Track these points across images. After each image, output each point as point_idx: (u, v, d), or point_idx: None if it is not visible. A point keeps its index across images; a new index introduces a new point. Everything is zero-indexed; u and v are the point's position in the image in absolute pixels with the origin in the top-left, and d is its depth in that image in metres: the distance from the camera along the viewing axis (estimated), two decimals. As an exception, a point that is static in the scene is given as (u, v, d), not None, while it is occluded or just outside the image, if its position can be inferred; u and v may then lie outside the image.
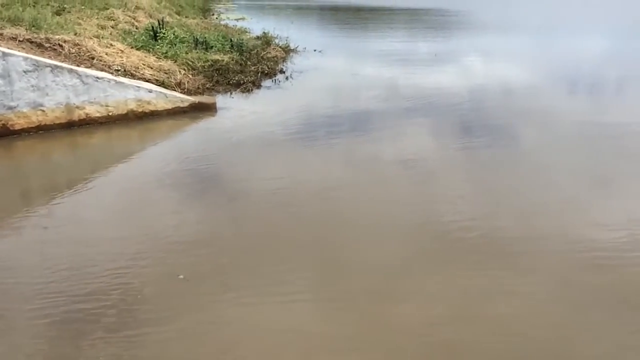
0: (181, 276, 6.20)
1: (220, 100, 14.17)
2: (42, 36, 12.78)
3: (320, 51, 22.41)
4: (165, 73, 14.26)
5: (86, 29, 15.62)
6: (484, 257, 6.66)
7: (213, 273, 6.32)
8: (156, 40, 16.63)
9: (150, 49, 15.73)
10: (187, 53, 16.25)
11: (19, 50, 11.21)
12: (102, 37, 15.06)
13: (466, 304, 5.77)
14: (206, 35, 19.11)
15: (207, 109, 13.30)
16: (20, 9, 14.90)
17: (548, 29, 37.74)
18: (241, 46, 18.39)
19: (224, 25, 27.06)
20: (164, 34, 17.27)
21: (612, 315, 5.65)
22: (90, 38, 14.42)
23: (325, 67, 19.65)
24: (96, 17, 17.84)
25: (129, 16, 19.72)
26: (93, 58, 13.09)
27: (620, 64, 22.04)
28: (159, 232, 7.28)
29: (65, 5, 17.76)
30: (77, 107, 11.62)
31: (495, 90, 16.45)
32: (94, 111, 11.85)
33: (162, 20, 18.92)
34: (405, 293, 5.96)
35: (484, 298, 5.88)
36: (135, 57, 14.31)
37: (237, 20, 33.74)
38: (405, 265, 6.50)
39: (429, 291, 6.00)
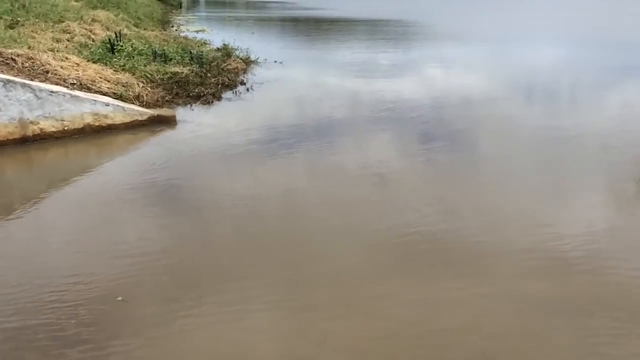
0: (119, 298, 6.04)
1: (181, 112, 14.04)
2: (-6, 50, 12.45)
3: (281, 62, 22.46)
4: (123, 86, 14.05)
5: (40, 42, 15.30)
6: (441, 266, 6.76)
7: (163, 289, 6.22)
8: (113, 53, 16.39)
9: (108, 62, 15.48)
10: (146, 65, 16.07)
11: (-32, 65, 10.88)
12: (57, 51, 14.76)
13: (414, 317, 5.83)
14: (165, 48, 18.95)
15: (167, 122, 13.15)
16: (-29, 22, 14.50)
17: (504, 39, 38.70)
18: (201, 58, 18.28)
19: (183, 37, 26.84)
20: (122, 46, 17.04)
21: (566, 321, 5.79)
22: (45, 51, 14.12)
23: (287, 78, 19.70)
24: (51, 30, 17.49)
25: (85, 29, 19.38)
26: (47, 72, 12.81)
27: (572, 72, 22.77)
28: (110, 249, 7.14)
29: (19, 19, 17.35)
30: (31, 122, 11.34)
31: (454, 98, 16.76)
32: (49, 126, 11.57)
33: (120, 33, 18.65)
34: (356, 306, 5.99)
35: (432, 309, 5.95)
36: (91, 71, 14.06)
37: (197, 32, 33.52)
38: (361, 277, 6.53)
39: (378, 306, 6.02)
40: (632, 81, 19.90)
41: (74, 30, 18.35)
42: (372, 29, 51.43)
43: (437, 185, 9.50)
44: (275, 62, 22.48)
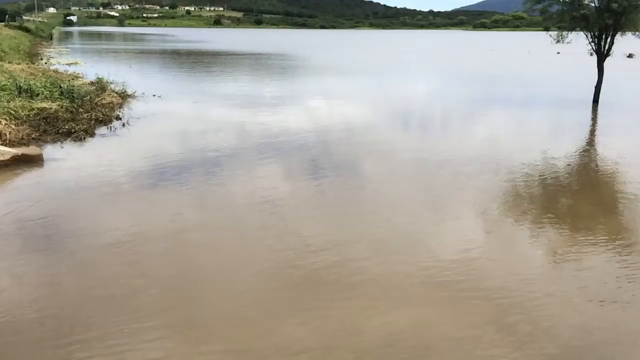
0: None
1: (49, 150, 13.12)
2: None
3: (159, 96, 21.86)
4: (-19, 124, 12.88)
5: None
6: (328, 294, 6.75)
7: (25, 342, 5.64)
8: (-30, 88, 15.06)
9: (-37, 99, 14.18)
10: (9, 102, 14.91)
11: None
12: None
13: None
14: (32, 82, 17.76)
15: (33, 161, 12.20)
16: None
17: (381, 72, 40.77)
18: (72, 92, 17.33)
19: (53, 71, 25.42)
20: (-20, 81, 15.71)
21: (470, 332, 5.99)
22: None
23: (167, 111, 19.18)
24: None
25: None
26: None
27: (443, 102, 24.36)
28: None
29: None
30: None
31: (336, 128, 17.22)
32: None
33: (-22, 67, 17.21)
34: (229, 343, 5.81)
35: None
36: (-58, 107, 12.77)
37: (69, 64, 31.91)
38: (244, 313, 6.35)
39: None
40: (495, 110, 21.64)
41: None
42: (255, 62, 51.94)
43: (323, 214, 9.57)
44: (154, 95, 21.87)
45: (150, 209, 9.62)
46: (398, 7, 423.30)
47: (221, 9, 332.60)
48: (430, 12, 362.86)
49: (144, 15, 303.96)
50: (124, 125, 16.35)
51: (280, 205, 9.88)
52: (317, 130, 16.74)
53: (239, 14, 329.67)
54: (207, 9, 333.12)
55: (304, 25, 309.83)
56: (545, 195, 10.98)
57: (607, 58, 22.24)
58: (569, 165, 13.07)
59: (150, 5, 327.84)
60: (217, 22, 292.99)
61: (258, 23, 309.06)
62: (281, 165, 12.68)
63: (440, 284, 6.97)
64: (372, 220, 9.25)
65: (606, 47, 21.86)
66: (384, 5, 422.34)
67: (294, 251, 7.90)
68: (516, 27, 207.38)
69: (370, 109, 21.91)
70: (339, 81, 33.65)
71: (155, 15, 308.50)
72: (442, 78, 36.93)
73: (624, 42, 23.33)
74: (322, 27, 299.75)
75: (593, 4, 21.22)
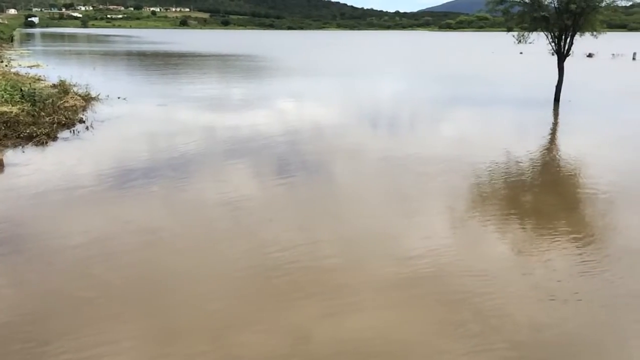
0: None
1: (10, 155, 12.82)
2: None
3: (124, 98, 21.54)
4: (-63, 129, 12.50)
5: None
6: (304, 299, 6.77)
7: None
8: None
9: None
10: (-34, 105, 14.49)
11: None
12: None
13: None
14: (-10, 85, 17.28)
15: (-7, 166, 11.88)
16: None
17: (350, 73, 40.96)
18: (33, 96, 16.96)
19: (14, 73, 24.79)
20: (-64, 84, 15.24)
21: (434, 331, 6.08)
22: None
23: (133, 114, 18.92)
24: None
25: None
26: None
27: (411, 102, 24.63)
28: None
29: None
30: None
31: (306, 130, 17.26)
32: None
33: None
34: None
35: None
36: None
37: (31, 67, 31.18)
38: (204, 319, 6.34)
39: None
40: (461, 110, 21.98)
41: None
42: (223, 63, 51.57)
43: (295, 216, 9.56)
44: (119, 98, 21.53)
45: (115, 214, 9.48)
46: (365, 8, 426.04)
47: (187, 9, 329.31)
48: (397, 13, 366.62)
49: (108, 16, 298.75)
50: (87, 128, 16.06)
51: (247, 208, 9.86)
52: (286, 131, 16.75)
53: (206, 15, 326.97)
54: (173, 9, 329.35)
55: (271, 26, 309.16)
56: (508, 194, 11.20)
57: (567, 58, 22.86)
58: (531, 164, 13.38)
59: (115, 6, 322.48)
60: (183, 23, 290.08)
61: (225, 24, 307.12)
62: (249, 168, 12.65)
63: (399, 286, 7.02)
64: (339, 221, 9.31)
65: (566, 47, 22.47)
66: (351, 6, 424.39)
67: (259, 255, 7.89)
68: (480, 28, 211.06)
69: (338, 110, 22.00)
70: (307, 82, 33.69)
71: (120, 16, 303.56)
72: (409, 78, 37.33)
73: (583, 43, 23.99)
74: (290, 27, 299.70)
75: (553, 5, 21.78)
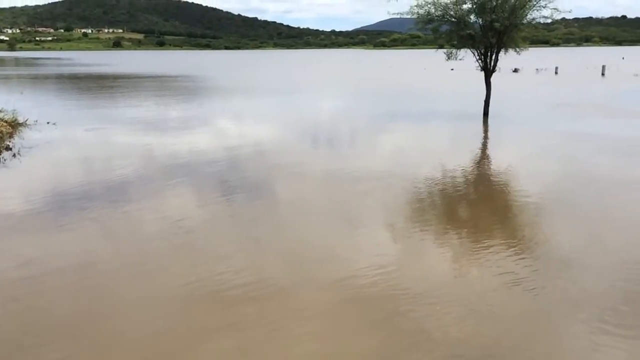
0: None
1: None
2: None
3: (54, 123, 20.82)
4: None
5: None
6: (255, 317, 6.71)
7: None
8: None
9: None
10: None
11: None
12: None
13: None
14: None
15: None
16: None
17: (289, 92, 41.20)
18: (-45, 123, 16.10)
19: None
20: None
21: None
22: None
23: (63, 139, 18.31)
24: None
25: None
26: None
27: (350, 119, 24.99)
28: None
29: None
30: None
31: (247, 149, 17.17)
32: None
33: None
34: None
35: None
36: None
37: (-49, 93, 29.61)
38: (149, 347, 6.19)
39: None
40: (397, 126, 22.52)
41: None
42: (160, 84, 50.72)
43: (235, 236, 9.46)
44: (49, 123, 20.79)
45: (50, 244, 9.12)
46: (301, 27, 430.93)
47: (120, 30, 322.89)
48: (333, 32, 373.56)
49: (37, 38, 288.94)
50: (14, 155, 15.40)
51: (190, 229, 9.70)
52: (227, 151, 16.64)
53: (140, 36, 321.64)
54: (106, 30, 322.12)
55: (208, 46, 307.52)
56: (446, 206, 11.52)
57: (494, 73, 23.92)
58: (465, 177, 13.82)
59: (44, 28, 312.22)
60: (116, 44, 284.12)
61: (160, 44, 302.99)
62: (191, 189, 12.46)
63: (342, 306, 7.00)
64: (283, 240, 9.31)
65: (492, 64, 23.53)
66: (287, 26, 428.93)
67: (204, 278, 7.74)
68: (413, 45, 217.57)
69: (278, 128, 22.08)
70: (246, 102, 33.64)
71: (50, 38, 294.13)
72: (347, 96, 37.91)
73: (509, 59, 25.16)
74: (227, 47, 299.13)
75: (478, 24, 22.79)
